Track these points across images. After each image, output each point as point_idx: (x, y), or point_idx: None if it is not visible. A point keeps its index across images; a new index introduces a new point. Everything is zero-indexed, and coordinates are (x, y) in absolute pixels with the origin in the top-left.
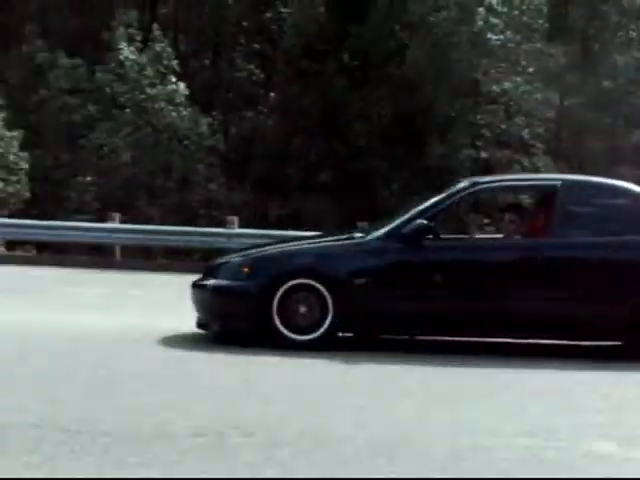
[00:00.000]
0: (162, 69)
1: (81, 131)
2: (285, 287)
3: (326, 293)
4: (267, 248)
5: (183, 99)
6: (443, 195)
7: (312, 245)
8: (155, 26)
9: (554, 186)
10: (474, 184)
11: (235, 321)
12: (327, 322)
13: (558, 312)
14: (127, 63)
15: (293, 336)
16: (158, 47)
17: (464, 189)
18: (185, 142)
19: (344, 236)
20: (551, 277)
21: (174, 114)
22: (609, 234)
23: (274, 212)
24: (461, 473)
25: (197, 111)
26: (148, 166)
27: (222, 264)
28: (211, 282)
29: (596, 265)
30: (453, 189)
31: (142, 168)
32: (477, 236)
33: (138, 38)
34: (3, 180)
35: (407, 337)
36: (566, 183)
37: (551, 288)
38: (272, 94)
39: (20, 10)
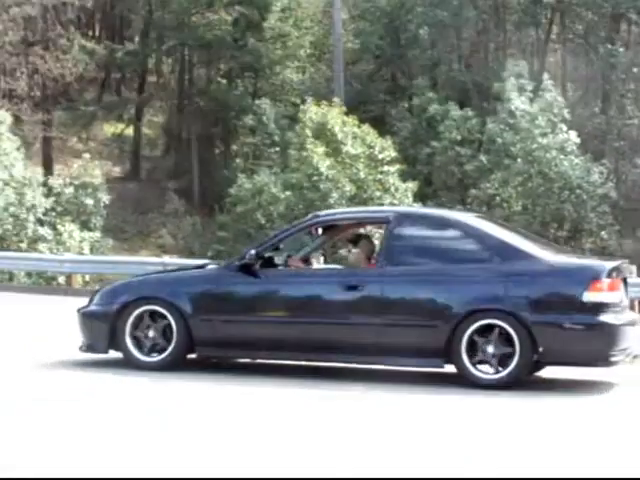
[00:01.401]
0: (553, 118)
1: (473, 181)
2: (136, 312)
3: (170, 318)
4: (142, 276)
5: (574, 148)
6: (286, 227)
7: (163, 274)
8: (545, 75)
9: (386, 217)
10: (315, 216)
11: (94, 342)
12: (172, 345)
13: (377, 338)
14: (518, 113)
15: (143, 358)
16: (549, 96)
17: (305, 221)
18: (577, 191)
19: (198, 265)
20: (371, 305)
21: (566, 163)
22: (436, 264)
23: None
24: None
25: (588, 159)
26: (540, 215)
27: (96, 291)
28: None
29: (418, 294)
30: (296, 221)
31: (534, 217)
32: (315, 266)
33: (528, 88)
34: None
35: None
36: (397, 215)
37: (371, 315)
38: None
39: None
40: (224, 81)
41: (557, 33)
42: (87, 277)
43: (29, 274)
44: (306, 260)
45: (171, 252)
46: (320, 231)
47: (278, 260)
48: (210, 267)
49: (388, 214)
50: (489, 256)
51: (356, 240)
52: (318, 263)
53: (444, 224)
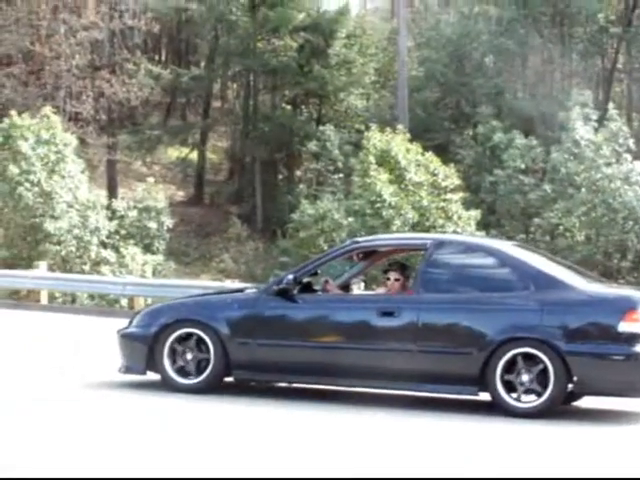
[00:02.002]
0: (617, 148)
1: (536, 210)
2: (174, 335)
3: (208, 340)
4: (181, 299)
5: (639, 178)
6: (325, 252)
7: (202, 297)
8: (610, 105)
9: (424, 244)
10: (353, 242)
11: (133, 363)
12: (210, 368)
13: (412, 364)
14: (582, 142)
15: (180, 380)
16: (613, 126)
17: (343, 247)
18: None
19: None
20: (407, 331)
21: (630, 193)
22: (472, 291)
23: None
24: None
25: None
26: (603, 245)
27: (137, 312)
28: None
29: (453, 321)
30: (335, 247)
31: (597, 247)
32: (355, 292)
33: (593, 117)
34: None
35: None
36: (435, 242)
37: (406, 341)
38: None
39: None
40: (289, 107)
41: (623, 62)
42: (149, 300)
43: (91, 296)
44: (346, 286)
45: (233, 277)
46: (361, 257)
47: (316, 285)
48: (249, 291)
49: (426, 241)
50: (525, 285)
51: (393, 266)
52: (359, 289)
53: (481, 252)
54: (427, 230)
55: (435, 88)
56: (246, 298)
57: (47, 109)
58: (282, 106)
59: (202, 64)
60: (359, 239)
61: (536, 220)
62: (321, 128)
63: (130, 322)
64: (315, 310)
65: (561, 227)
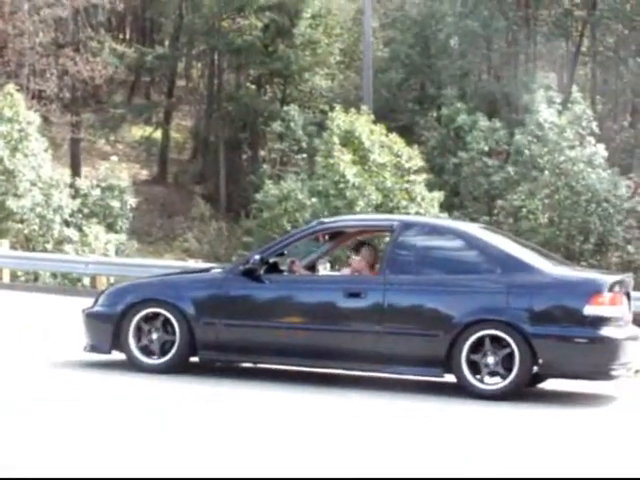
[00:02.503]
0: (581, 131)
1: (500, 192)
2: (140, 314)
3: (173, 320)
4: (147, 278)
5: (602, 161)
6: (291, 232)
7: (168, 277)
8: (574, 88)
9: (390, 226)
10: (320, 223)
11: (98, 343)
12: (175, 348)
13: (378, 346)
14: (546, 125)
15: (146, 359)
16: (577, 109)
17: (310, 227)
18: (604, 204)
19: (204, 269)
20: (373, 312)
21: (593, 176)
22: (438, 273)
23: None
24: None
25: (616, 173)
26: (566, 228)
27: (101, 292)
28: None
29: (419, 303)
30: (301, 227)
31: (560, 230)
32: (321, 273)
33: (557, 100)
34: None
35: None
36: (402, 223)
37: (372, 323)
38: None
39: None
40: (253, 87)
41: (587, 46)
42: (112, 279)
43: (54, 275)
44: (312, 267)
45: (196, 256)
46: (327, 237)
47: (282, 266)
48: (215, 271)
49: (392, 222)
50: (491, 267)
51: (359, 247)
52: (324, 270)
53: (448, 234)
54: (391, 211)
55: (400, 69)
56: (212, 278)
57: (10, 87)
58: (246, 86)
59: (167, 43)
60: (325, 220)
61: (499, 202)
62: (285, 108)
63: (95, 301)
64: (282, 290)
65: (524, 209)
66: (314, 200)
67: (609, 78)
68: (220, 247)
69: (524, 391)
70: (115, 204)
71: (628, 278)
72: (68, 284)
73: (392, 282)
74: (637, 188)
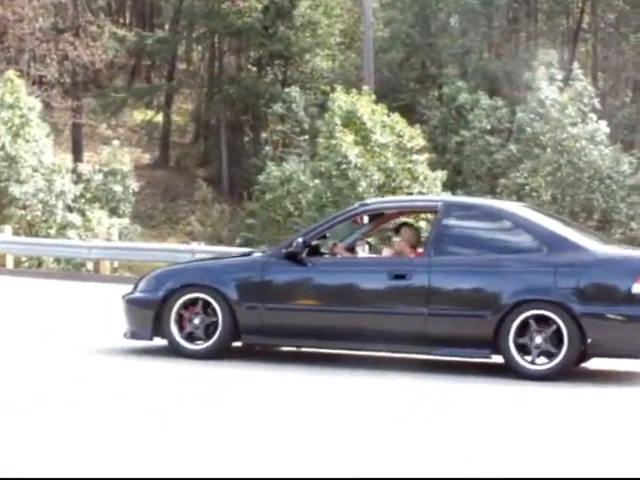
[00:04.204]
0: (583, 107)
1: (502, 170)
2: (181, 299)
3: (216, 305)
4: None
5: (604, 137)
6: (333, 215)
7: (208, 261)
8: (575, 65)
9: (434, 207)
10: (362, 205)
11: (139, 329)
12: (218, 333)
13: (424, 327)
14: (548, 102)
15: (188, 345)
16: (579, 86)
17: (352, 209)
18: (607, 181)
19: (244, 252)
20: (419, 294)
21: (595, 153)
22: (484, 254)
23: None
24: None
25: (618, 149)
26: (569, 205)
27: (141, 277)
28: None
29: (465, 284)
30: (343, 209)
31: (563, 207)
32: (360, 255)
33: (559, 77)
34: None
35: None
36: (446, 204)
37: (418, 304)
38: None
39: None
40: (254, 69)
41: (588, 22)
42: (115, 264)
43: (57, 260)
44: (351, 249)
45: (199, 239)
46: (366, 219)
47: (324, 248)
48: (256, 255)
49: (437, 203)
50: (537, 247)
51: (400, 229)
52: (363, 252)
53: (492, 214)
54: (393, 192)
55: (400, 49)
56: (254, 262)
57: (11, 73)
58: (247, 68)
59: (167, 26)
60: (368, 201)
61: (502, 180)
62: (286, 90)
63: (135, 287)
64: (325, 273)
65: (527, 187)
66: (316, 181)
67: (610, 54)
68: (223, 230)
69: (568, 371)
70: (117, 188)
71: None
72: (72, 269)
73: (437, 263)
74: None
